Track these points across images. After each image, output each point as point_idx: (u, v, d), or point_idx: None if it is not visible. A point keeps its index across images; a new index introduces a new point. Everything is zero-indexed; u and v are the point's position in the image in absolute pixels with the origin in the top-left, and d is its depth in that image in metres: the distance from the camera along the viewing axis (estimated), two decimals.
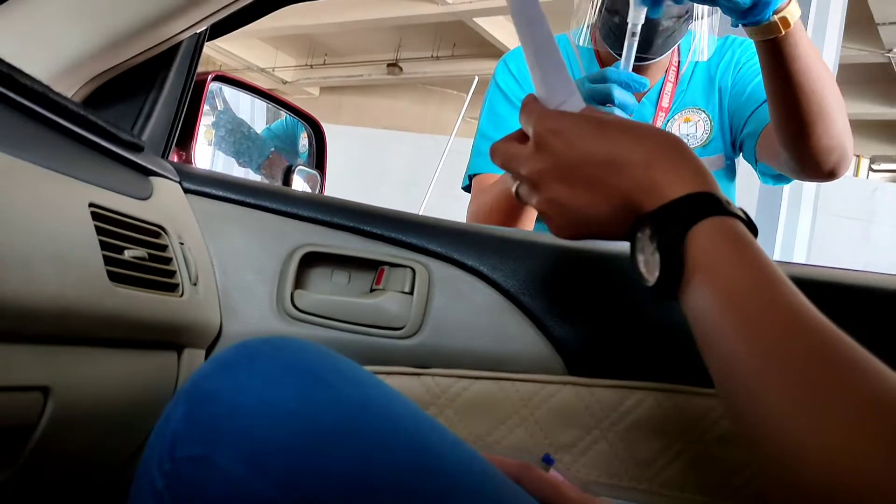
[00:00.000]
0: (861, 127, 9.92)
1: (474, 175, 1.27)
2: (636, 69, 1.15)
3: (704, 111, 1.24)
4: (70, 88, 0.74)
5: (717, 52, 1.25)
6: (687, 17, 1.11)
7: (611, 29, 1.13)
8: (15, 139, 0.50)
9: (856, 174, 9.75)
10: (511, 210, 1.07)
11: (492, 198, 1.11)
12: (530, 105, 0.58)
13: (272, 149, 1.38)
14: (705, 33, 1.11)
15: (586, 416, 0.70)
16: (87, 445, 0.55)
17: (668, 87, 1.23)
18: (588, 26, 1.15)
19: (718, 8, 0.87)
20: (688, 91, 1.25)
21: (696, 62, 1.25)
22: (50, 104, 0.56)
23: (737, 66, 1.24)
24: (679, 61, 1.25)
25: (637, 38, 0.92)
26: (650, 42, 1.12)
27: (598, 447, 0.70)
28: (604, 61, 1.23)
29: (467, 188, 1.31)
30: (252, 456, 0.39)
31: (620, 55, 1.13)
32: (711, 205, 0.49)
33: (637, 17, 0.94)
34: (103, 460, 0.58)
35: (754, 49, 1.23)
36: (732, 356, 0.44)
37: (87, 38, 0.71)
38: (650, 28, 1.09)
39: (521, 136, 0.60)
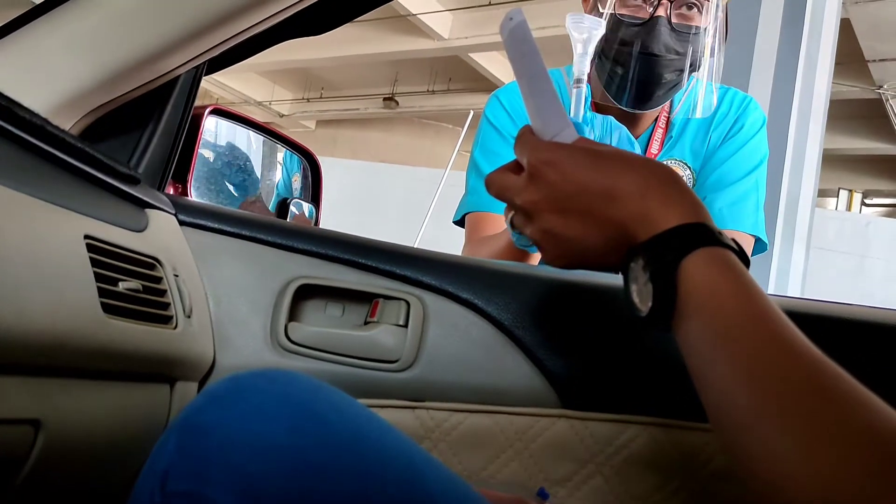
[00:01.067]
0: (853, 162, 10.03)
1: (469, 213, 1.25)
2: (630, 117, 1.16)
3: (689, 167, 1.23)
4: (68, 121, 0.75)
5: (717, 104, 1.24)
6: (690, 69, 1.11)
7: (611, 79, 1.13)
8: (12, 171, 0.50)
9: (849, 208, 9.82)
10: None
11: (492, 251, 1.08)
12: (525, 136, 0.59)
13: (255, 193, 1.38)
14: (702, 89, 1.11)
15: (581, 449, 0.69)
16: (77, 479, 0.54)
17: (658, 132, 1.22)
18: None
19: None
20: (678, 141, 1.24)
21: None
22: (47, 137, 0.56)
23: (731, 129, 1.23)
24: (670, 107, 1.25)
25: (584, 87, 0.86)
26: (650, 94, 1.11)
27: (594, 482, 0.69)
28: (597, 105, 1.22)
29: (459, 223, 1.30)
30: (244, 491, 0.39)
31: (616, 100, 1.14)
32: (704, 235, 0.49)
33: (582, 64, 0.89)
34: (94, 494, 0.58)
35: (755, 116, 1.24)
36: (725, 387, 0.44)
37: (85, 71, 0.72)
38: (651, 79, 1.09)
39: (515, 167, 0.60)
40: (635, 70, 1.08)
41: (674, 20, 1.07)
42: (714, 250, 0.49)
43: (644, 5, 1.07)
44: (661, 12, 1.06)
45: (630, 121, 1.18)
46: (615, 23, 1.08)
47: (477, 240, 1.19)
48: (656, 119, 1.23)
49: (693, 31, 1.08)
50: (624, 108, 1.14)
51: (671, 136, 1.23)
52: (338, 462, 0.40)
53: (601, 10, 1.10)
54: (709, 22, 1.09)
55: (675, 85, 1.12)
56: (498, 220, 1.17)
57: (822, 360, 0.43)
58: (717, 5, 1.10)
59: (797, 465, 0.39)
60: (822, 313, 0.72)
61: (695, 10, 1.08)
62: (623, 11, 1.08)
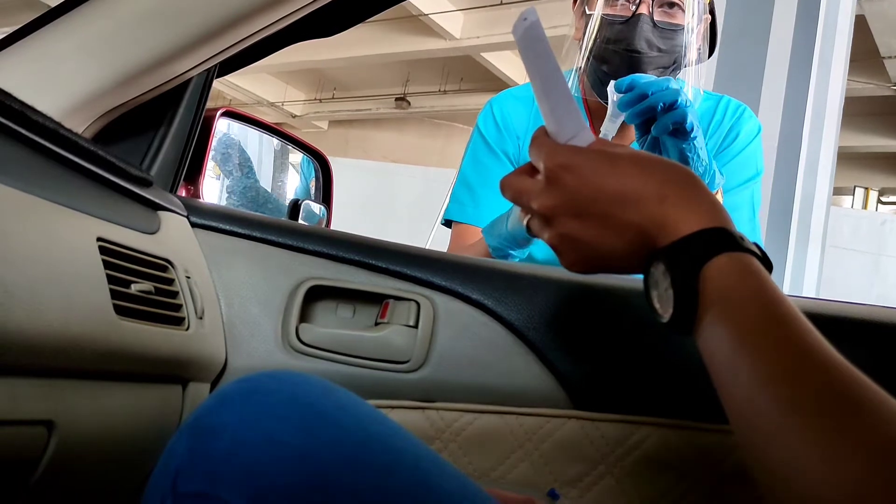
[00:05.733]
0: (868, 160, 9.94)
1: (453, 221, 1.28)
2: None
3: None
4: (81, 124, 0.75)
5: (709, 112, 1.23)
6: (674, 67, 1.11)
7: (599, 78, 1.13)
8: (27, 175, 0.51)
9: (864, 207, 9.74)
10: None
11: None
12: (540, 139, 0.58)
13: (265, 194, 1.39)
14: (689, 85, 1.11)
15: (592, 450, 0.69)
16: (90, 480, 0.54)
17: None
18: (576, 72, 1.16)
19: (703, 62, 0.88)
20: None
21: None
22: (61, 140, 0.57)
23: (726, 138, 1.22)
24: None
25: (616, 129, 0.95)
26: None
27: (605, 482, 0.69)
28: (591, 109, 1.22)
29: (448, 224, 1.32)
30: (254, 492, 0.39)
31: (604, 99, 1.13)
32: (725, 240, 0.49)
33: (611, 129, 0.95)
34: (107, 495, 0.58)
35: (751, 126, 1.23)
36: (746, 394, 0.43)
37: (98, 75, 0.72)
38: None
39: (530, 170, 0.59)
40: (618, 67, 1.08)
41: (656, 17, 1.08)
42: (736, 256, 0.48)
43: (627, 4, 1.08)
44: (643, 10, 1.07)
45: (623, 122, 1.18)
46: (600, 22, 1.09)
47: (458, 248, 1.23)
48: None
49: (676, 28, 1.08)
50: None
51: None
52: (346, 464, 0.41)
53: (587, 11, 1.11)
54: (693, 20, 1.09)
55: None
56: (478, 233, 1.20)
57: (844, 367, 0.42)
58: (700, 3, 1.10)
59: (820, 476, 0.38)
60: (838, 314, 0.72)
61: (677, 8, 1.09)
62: (607, 11, 1.09)
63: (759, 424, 0.42)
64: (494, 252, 1.06)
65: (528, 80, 0.60)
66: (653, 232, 0.51)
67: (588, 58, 1.12)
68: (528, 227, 0.60)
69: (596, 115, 1.23)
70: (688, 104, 0.92)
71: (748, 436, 0.43)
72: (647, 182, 0.52)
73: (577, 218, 0.54)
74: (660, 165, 0.53)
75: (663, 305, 0.50)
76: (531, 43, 0.57)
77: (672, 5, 1.09)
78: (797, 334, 0.44)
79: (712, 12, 1.18)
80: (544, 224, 0.57)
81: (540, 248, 1.17)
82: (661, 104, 0.91)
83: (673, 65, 1.10)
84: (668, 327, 0.50)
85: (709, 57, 1.18)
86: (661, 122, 0.93)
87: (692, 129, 0.93)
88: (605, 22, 1.08)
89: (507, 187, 0.60)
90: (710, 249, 0.48)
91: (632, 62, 1.08)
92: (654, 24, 1.07)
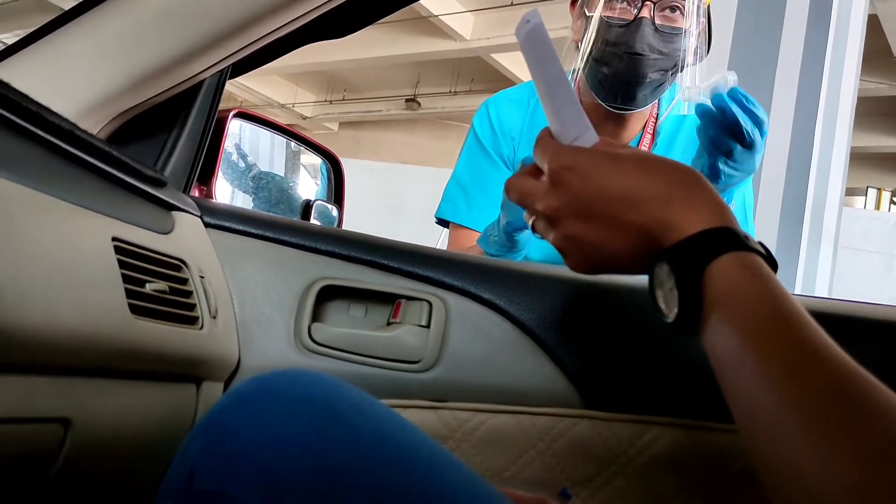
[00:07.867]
0: (881, 160, 9.87)
1: (450, 224, 1.30)
2: (617, 119, 1.17)
3: None
4: (96, 125, 0.76)
5: None
6: (674, 69, 1.12)
7: (600, 81, 1.14)
8: (42, 175, 0.51)
9: (877, 207, 9.66)
10: None
11: None
12: (545, 140, 0.58)
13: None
14: (685, 86, 1.11)
15: (604, 450, 0.69)
16: (106, 476, 0.55)
17: (647, 138, 1.23)
18: (573, 74, 1.17)
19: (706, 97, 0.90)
20: (667, 150, 1.24)
21: (684, 119, 1.24)
22: (76, 141, 0.57)
23: None
24: (658, 113, 1.25)
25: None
26: (634, 94, 1.13)
27: (616, 482, 0.69)
28: (586, 110, 1.23)
29: (440, 222, 1.34)
30: (268, 491, 0.39)
31: (607, 105, 1.14)
32: (729, 240, 0.48)
33: (723, 85, 0.94)
34: (121, 493, 0.58)
35: None
36: (751, 394, 0.43)
37: (112, 77, 0.73)
38: (635, 79, 1.11)
39: (535, 171, 0.59)
40: (620, 69, 1.10)
41: (657, 21, 1.10)
42: (740, 255, 0.48)
43: (629, 7, 1.10)
44: (644, 13, 1.09)
45: (618, 123, 1.20)
46: (601, 25, 1.10)
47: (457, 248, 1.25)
48: (644, 125, 1.24)
49: (676, 31, 1.10)
50: (610, 108, 1.14)
51: (656, 144, 1.24)
52: (360, 462, 0.41)
53: (587, 13, 1.12)
54: (692, 23, 1.10)
55: (660, 85, 1.14)
56: (473, 236, 1.22)
57: (849, 366, 0.42)
58: (700, 7, 1.11)
59: (824, 478, 0.38)
60: (850, 314, 0.71)
61: (678, 12, 1.11)
62: (608, 14, 1.11)
63: (761, 422, 0.42)
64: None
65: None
66: (657, 233, 0.51)
67: (588, 60, 1.13)
68: (532, 228, 0.60)
69: (591, 116, 1.23)
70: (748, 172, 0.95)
71: (751, 434, 0.43)
72: (651, 183, 0.52)
73: (582, 219, 0.54)
74: (664, 166, 0.53)
75: (668, 305, 0.50)
76: (534, 45, 0.57)
77: (673, 9, 1.11)
78: (801, 333, 0.44)
79: (707, 16, 1.19)
80: (549, 225, 0.56)
81: (536, 249, 1.18)
82: (724, 146, 0.93)
83: (673, 67, 1.12)
84: (673, 327, 0.50)
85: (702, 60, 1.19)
86: (712, 153, 0.95)
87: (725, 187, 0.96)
88: (607, 24, 1.10)
89: (511, 188, 0.60)
90: (715, 249, 0.48)
91: (633, 65, 1.10)
92: (656, 28, 1.09)
